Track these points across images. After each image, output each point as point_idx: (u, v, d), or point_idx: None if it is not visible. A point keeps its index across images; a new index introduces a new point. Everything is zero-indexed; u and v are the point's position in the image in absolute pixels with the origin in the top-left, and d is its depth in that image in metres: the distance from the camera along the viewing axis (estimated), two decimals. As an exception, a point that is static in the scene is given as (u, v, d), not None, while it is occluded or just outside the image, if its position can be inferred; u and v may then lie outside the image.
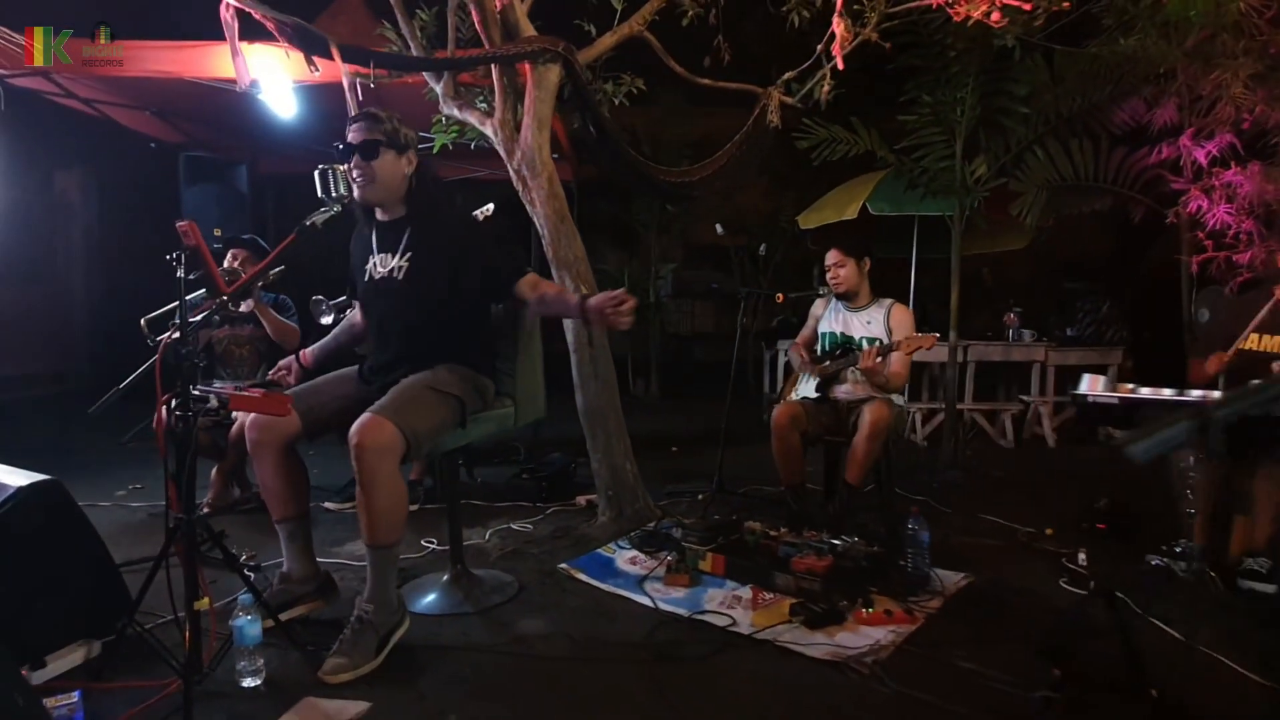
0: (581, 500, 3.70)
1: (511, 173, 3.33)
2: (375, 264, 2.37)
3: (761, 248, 8.17)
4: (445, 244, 2.32)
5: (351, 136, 2.25)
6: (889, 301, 3.37)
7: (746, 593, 2.56)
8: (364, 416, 2.04)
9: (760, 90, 3.83)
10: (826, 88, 3.70)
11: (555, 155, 3.89)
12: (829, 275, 3.39)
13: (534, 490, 3.80)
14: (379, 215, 2.38)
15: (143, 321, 3.00)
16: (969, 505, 3.78)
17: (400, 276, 2.31)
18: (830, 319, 3.47)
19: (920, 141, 4.60)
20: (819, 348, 3.50)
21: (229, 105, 4.47)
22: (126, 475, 4.15)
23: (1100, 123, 4.37)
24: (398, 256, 2.33)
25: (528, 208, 3.34)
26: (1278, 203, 3.76)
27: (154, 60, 3.79)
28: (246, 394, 1.95)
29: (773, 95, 3.78)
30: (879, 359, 3.07)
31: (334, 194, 2.26)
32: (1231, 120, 3.82)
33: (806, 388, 3.40)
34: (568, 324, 3.26)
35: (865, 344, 3.30)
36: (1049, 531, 3.36)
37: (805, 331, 3.63)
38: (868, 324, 3.34)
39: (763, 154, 3.82)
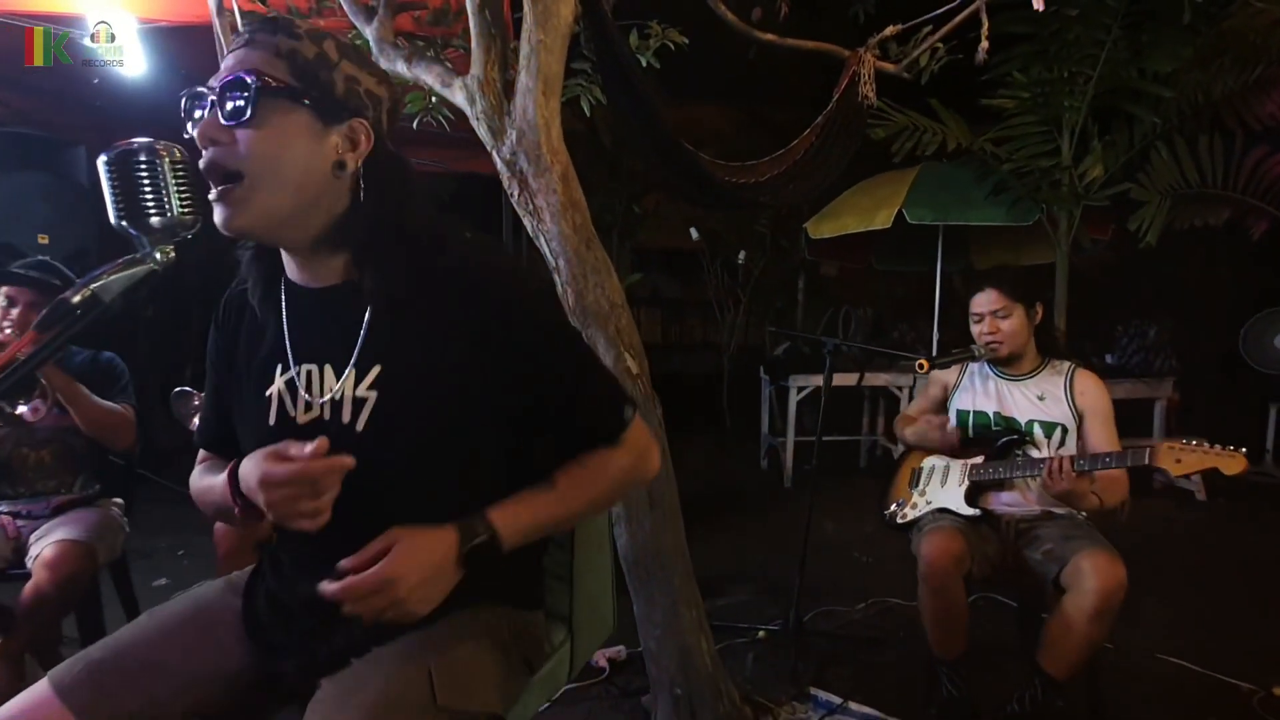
0: (601, 660, 2.46)
1: (499, 165, 2.04)
2: (287, 390, 1.07)
3: (740, 255, 7.04)
4: (460, 342, 1.03)
5: (214, 80, 0.96)
6: (1067, 365, 2.27)
7: None
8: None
9: (847, 52, 2.66)
10: (934, 50, 2.58)
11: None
12: (983, 329, 2.26)
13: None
14: (293, 273, 1.09)
15: None
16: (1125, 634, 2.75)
17: (358, 421, 1.02)
18: (974, 391, 2.34)
19: (1011, 133, 3.55)
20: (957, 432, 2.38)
21: (60, 66, 3.05)
22: None
23: (1239, 113, 3.43)
24: (347, 375, 1.04)
25: (525, 220, 2.07)
26: None
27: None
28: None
29: (867, 59, 2.61)
30: (1074, 471, 1.96)
31: (150, 220, 0.92)
32: None
33: (945, 494, 2.26)
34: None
35: (1039, 433, 2.19)
36: (1277, 691, 2.36)
37: (921, 404, 2.51)
38: (1039, 400, 2.23)
39: (853, 140, 2.66)
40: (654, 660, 2.01)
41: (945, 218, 4.49)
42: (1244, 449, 1.70)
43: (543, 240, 2.02)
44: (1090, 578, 1.86)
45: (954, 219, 4.45)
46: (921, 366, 2.22)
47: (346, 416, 1.01)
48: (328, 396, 1.02)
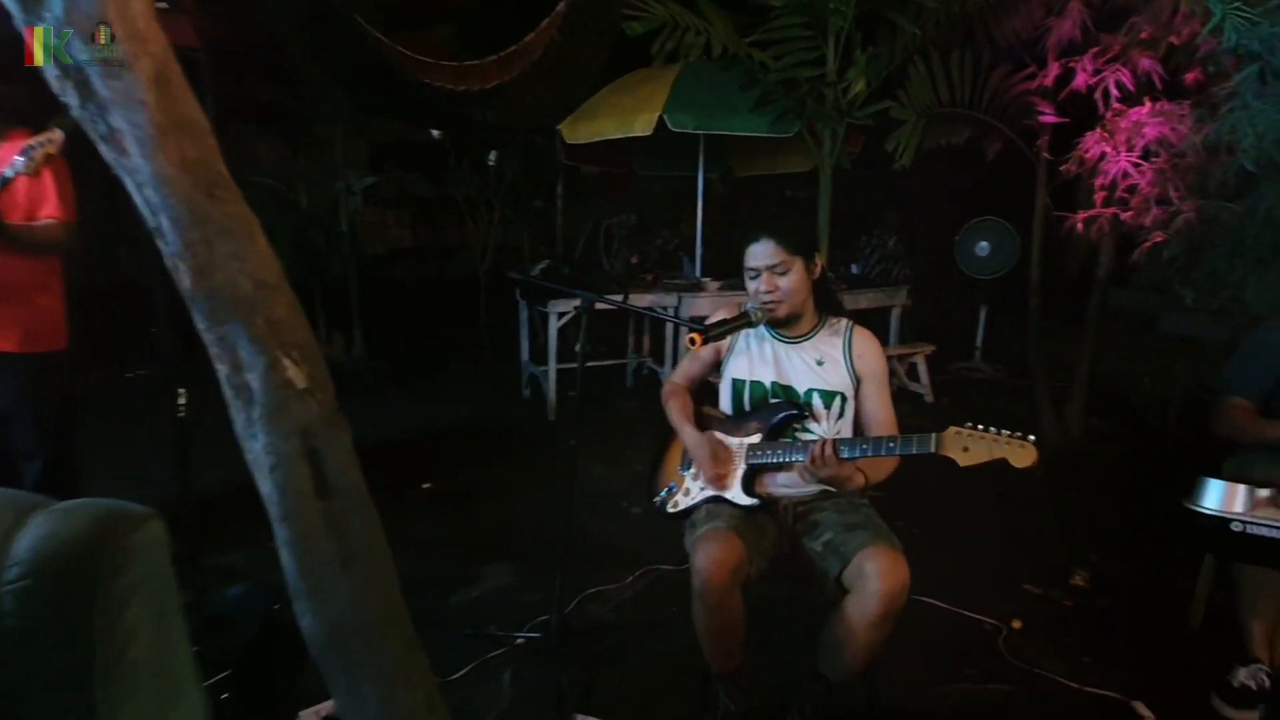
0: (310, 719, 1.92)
1: (38, 55, 1.25)
2: None
3: (490, 156, 6.32)
4: None
5: None
6: (844, 324, 2.01)
7: None
8: None
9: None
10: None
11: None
12: (759, 286, 1.91)
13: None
14: None
15: None
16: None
17: None
18: (750, 357, 2.01)
19: (776, 36, 3.19)
20: (728, 403, 2.06)
21: None
22: None
23: (989, 28, 3.35)
24: None
25: (102, 150, 1.30)
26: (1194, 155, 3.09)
27: None
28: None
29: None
30: (834, 455, 1.72)
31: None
32: (1161, 40, 3.01)
33: (727, 485, 1.95)
34: (252, 437, 1.37)
35: (819, 403, 1.93)
36: (1016, 624, 2.45)
37: (690, 369, 2.15)
38: (818, 365, 1.96)
39: (605, 39, 2.11)
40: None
41: (708, 126, 4.14)
42: (1032, 437, 1.52)
43: (130, 183, 1.28)
44: (874, 580, 1.64)
45: (717, 128, 4.12)
46: (694, 342, 1.82)
47: None
48: None
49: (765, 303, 1.89)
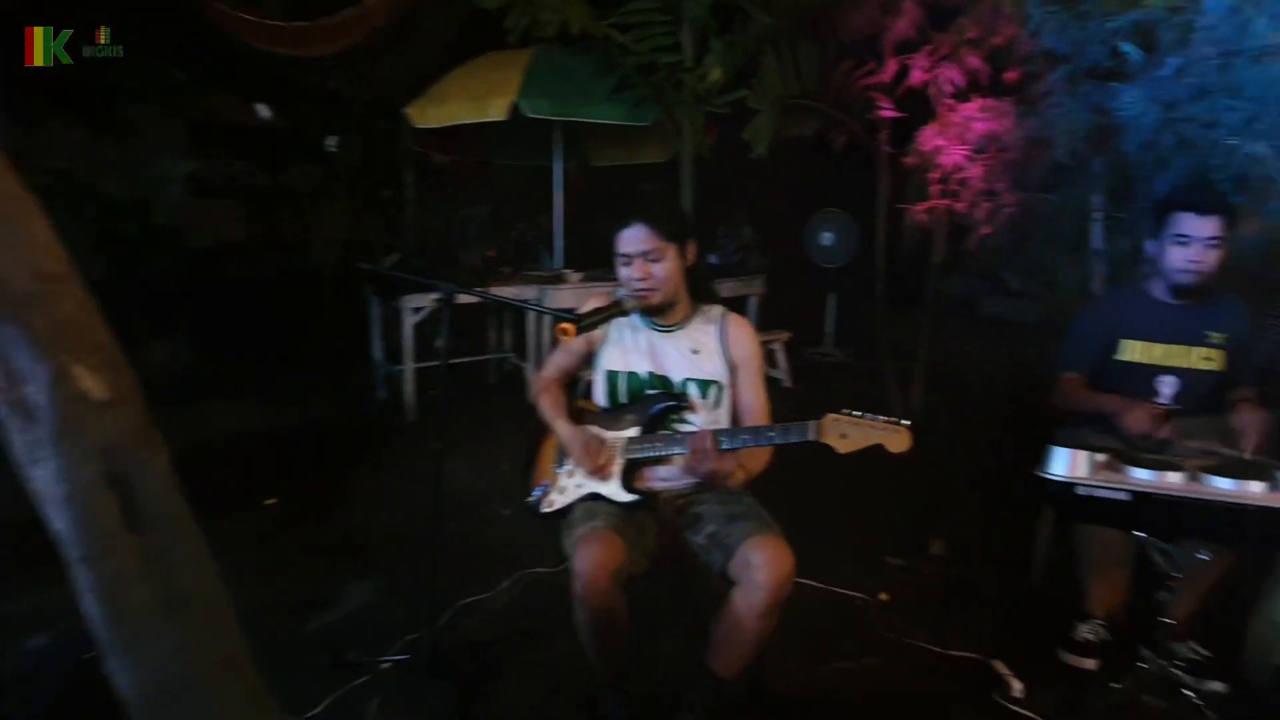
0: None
1: None
2: None
3: (330, 141, 5.92)
4: None
5: None
6: (718, 312, 1.98)
7: None
8: None
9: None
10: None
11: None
12: (632, 273, 1.84)
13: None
14: None
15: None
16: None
17: None
18: (625, 347, 1.94)
19: (633, 19, 3.14)
20: (602, 396, 1.98)
21: None
22: None
23: (833, 23, 3.47)
24: None
25: None
26: (1016, 149, 3.34)
27: None
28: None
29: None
30: (715, 447, 1.70)
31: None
32: (987, 40, 3.23)
33: (605, 481, 1.87)
34: (38, 463, 1.13)
35: (695, 393, 1.89)
36: (883, 597, 2.55)
37: (561, 362, 2.05)
38: (693, 354, 1.92)
39: (455, 8, 1.95)
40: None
41: (565, 112, 4.03)
42: (906, 421, 1.55)
43: None
44: (760, 571, 1.62)
45: (574, 114, 4.01)
46: (566, 332, 1.73)
47: None
48: None
49: (638, 290, 1.83)
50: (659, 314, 1.91)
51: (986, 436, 4.09)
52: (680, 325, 1.93)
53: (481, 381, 5.17)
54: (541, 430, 2.02)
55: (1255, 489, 1.58)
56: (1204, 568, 2.00)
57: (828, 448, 1.60)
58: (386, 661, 2.10)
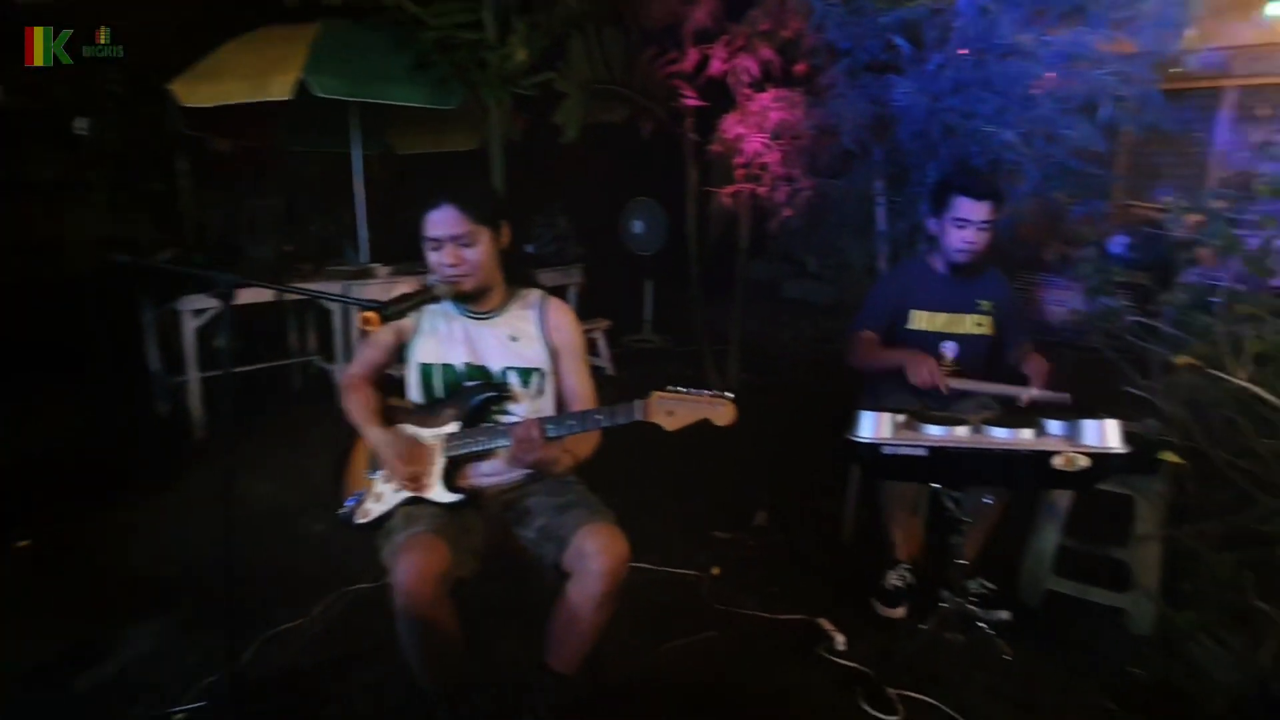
0: None
1: None
2: None
3: (80, 124, 5.18)
4: None
5: None
6: (536, 296, 1.91)
7: None
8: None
9: None
10: None
11: None
12: (442, 259, 1.71)
13: None
14: None
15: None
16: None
17: None
18: (438, 338, 1.82)
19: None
20: (417, 392, 1.84)
21: None
22: None
23: (635, 12, 3.50)
24: None
25: None
26: (808, 137, 3.56)
27: None
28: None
29: None
30: (540, 435, 1.66)
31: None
32: (777, 32, 3.40)
33: (425, 485, 1.74)
34: None
35: (517, 382, 1.81)
36: (715, 571, 2.62)
37: (370, 356, 1.89)
38: (512, 341, 1.84)
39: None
40: None
41: (361, 92, 3.74)
42: (730, 394, 1.57)
43: None
44: (595, 559, 1.59)
45: (370, 95, 3.74)
46: (369, 322, 1.57)
47: None
48: None
49: (449, 277, 1.71)
50: (473, 301, 1.81)
51: (797, 409, 4.36)
52: (497, 312, 1.84)
53: (285, 388, 4.73)
54: (351, 434, 1.85)
55: (1026, 436, 1.77)
56: (987, 510, 2.25)
57: (656, 427, 1.59)
58: (180, 711, 1.84)
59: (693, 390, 1.59)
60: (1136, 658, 2.13)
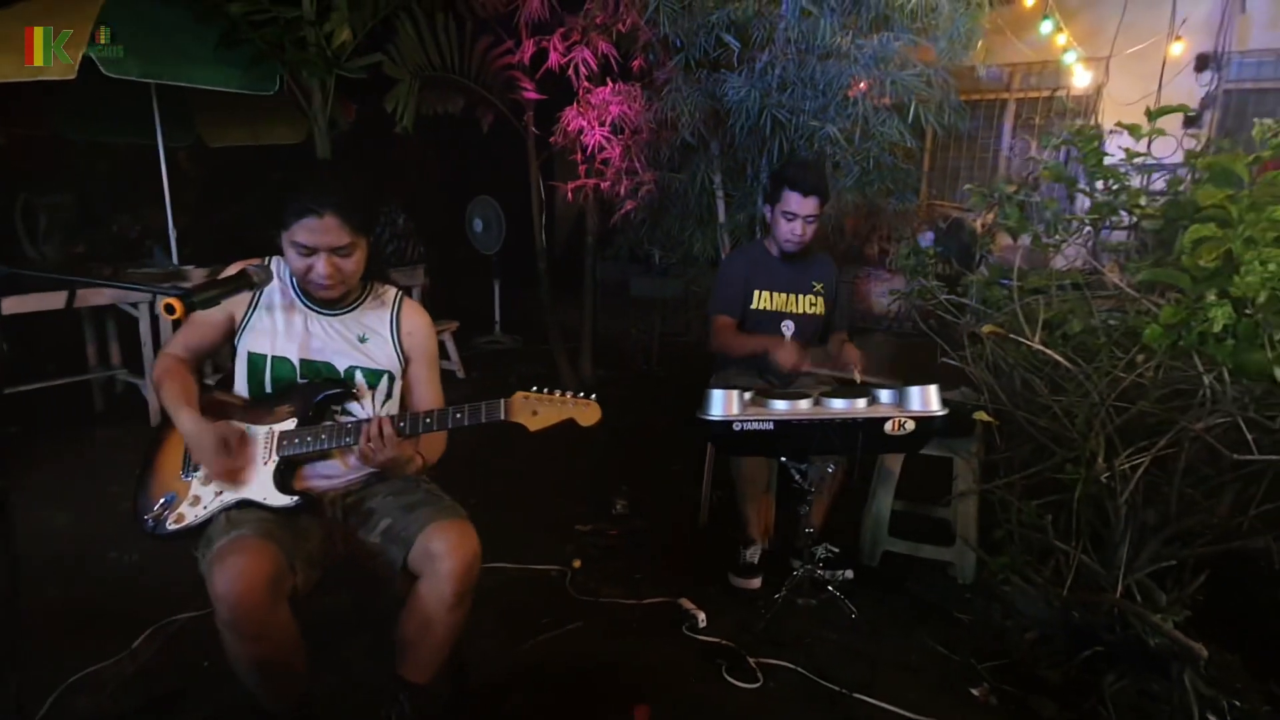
0: None
1: None
2: None
3: None
4: None
5: None
6: (392, 294, 1.78)
7: None
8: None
9: None
10: None
11: None
12: (317, 267, 1.55)
13: None
14: None
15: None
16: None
17: None
18: (273, 329, 1.65)
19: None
20: (244, 384, 1.67)
21: None
22: None
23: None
24: None
25: None
26: (648, 131, 3.61)
27: None
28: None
29: None
30: (393, 433, 1.57)
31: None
32: (613, 26, 3.42)
33: (245, 477, 1.58)
34: None
35: (363, 382, 1.69)
36: (576, 564, 2.59)
37: (192, 336, 1.70)
38: (361, 342, 1.71)
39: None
40: None
41: (158, 73, 3.37)
42: (594, 396, 1.55)
43: None
44: (444, 559, 1.51)
45: (170, 76, 3.37)
46: (171, 309, 1.40)
47: None
48: None
49: (320, 287, 1.58)
50: (326, 299, 1.67)
51: (650, 400, 4.44)
52: (348, 308, 1.71)
53: (86, 407, 4.18)
54: (161, 429, 1.66)
55: (861, 405, 1.89)
56: (830, 478, 2.38)
57: (519, 427, 1.54)
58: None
59: (558, 391, 1.55)
60: (962, 604, 2.35)
